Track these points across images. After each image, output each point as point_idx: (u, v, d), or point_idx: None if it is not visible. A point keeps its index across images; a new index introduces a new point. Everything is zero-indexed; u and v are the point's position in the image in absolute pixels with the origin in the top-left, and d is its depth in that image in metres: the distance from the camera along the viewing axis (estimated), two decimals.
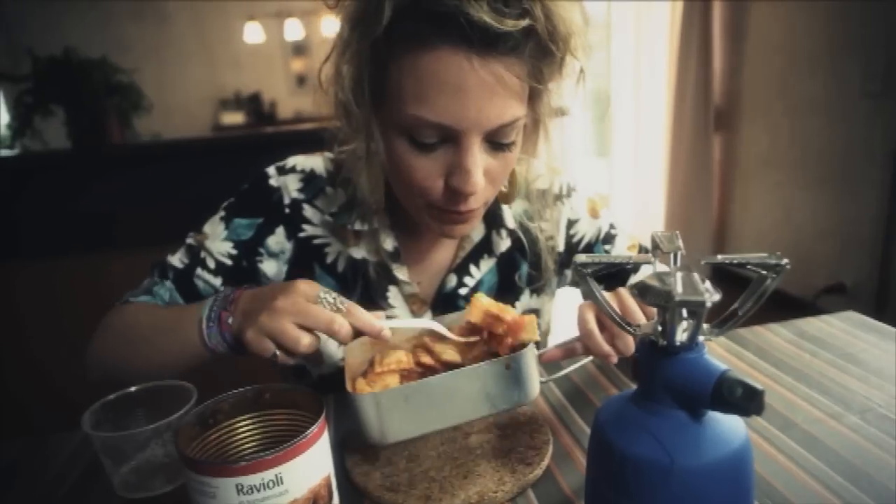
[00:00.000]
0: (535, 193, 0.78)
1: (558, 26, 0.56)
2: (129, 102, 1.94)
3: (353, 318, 0.56)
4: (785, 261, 0.37)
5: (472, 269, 0.78)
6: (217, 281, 0.75)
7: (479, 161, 0.59)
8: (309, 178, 0.76)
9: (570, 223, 0.83)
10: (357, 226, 0.74)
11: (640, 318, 0.59)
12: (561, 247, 0.83)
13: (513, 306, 0.78)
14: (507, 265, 0.80)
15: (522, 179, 0.76)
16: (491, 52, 0.54)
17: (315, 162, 0.78)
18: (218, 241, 0.75)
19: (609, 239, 0.85)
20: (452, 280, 0.78)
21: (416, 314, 0.78)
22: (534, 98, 0.63)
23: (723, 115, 3.37)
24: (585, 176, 5.45)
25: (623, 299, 0.61)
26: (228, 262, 0.75)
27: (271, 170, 0.77)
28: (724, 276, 3.74)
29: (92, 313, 0.77)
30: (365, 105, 0.62)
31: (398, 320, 0.62)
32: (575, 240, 0.84)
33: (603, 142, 5.11)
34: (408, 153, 0.60)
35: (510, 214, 0.78)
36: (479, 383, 0.53)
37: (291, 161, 0.78)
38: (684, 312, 0.37)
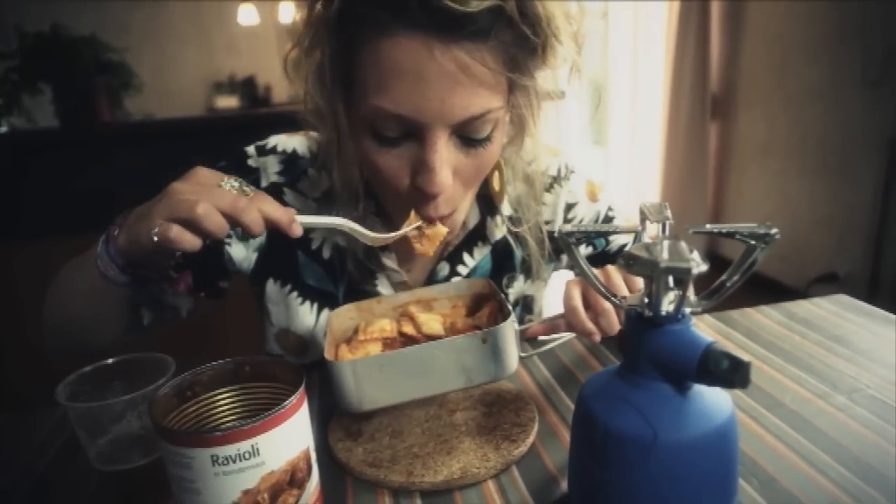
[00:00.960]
0: (531, 176, 0.75)
1: (533, 7, 0.52)
2: (120, 81, 1.91)
3: (262, 203, 0.50)
4: (774, 230, 0.36)
5: (466, 257, 0.76)
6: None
7: (444, 158, 0.55)
8: (290, 160, 0.73)
9: (568, 206, 0.81)
10: (343, 211, 0.70)
11: (624, 290, 0.58)
12: (557, 231, 0.80)
13: (506, 293, 0.78)
14: (501, 251, 0.78)
15: (516, 172, 0.73)
16: (453, 38, 0.50)
17: (297, 142, 0.74)
18: None
19: (607, 222, 0.83)
20: (445, 268, 0.75)
21: None
22: (513, 89, 0.58)
23: (719, 103, 3.36)
24: (581, 164, 5.44)
25: (610, 275, 0.60)
26: None
27: (251, 149, 0.74)
28: (715, 259, 3.79)
29: None
30: (329, 97, 0.59)
31: (310, 216, 0.55)
32: (573, 223, 0.81)
33: (599, 130, 5.10)
34: (372, 149, 0.57)
35: (508, 204, 0.76)
36: (455, 355, 0.52)
37: (273, 140, 0.74)
38: (670, 282, 0.36)
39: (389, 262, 0.73)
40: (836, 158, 2.67)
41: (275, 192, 0.71)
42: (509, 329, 0.53)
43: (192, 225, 0.47)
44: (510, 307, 0.57)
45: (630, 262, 0.37)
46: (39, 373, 1.74)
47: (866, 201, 2.51)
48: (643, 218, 0.41)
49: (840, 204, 2.67)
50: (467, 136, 0.56)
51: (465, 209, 0.65)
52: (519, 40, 0.53)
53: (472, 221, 0.75)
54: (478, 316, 0.63)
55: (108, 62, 1.89)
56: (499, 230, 0.75)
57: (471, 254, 0.76)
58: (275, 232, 0.56)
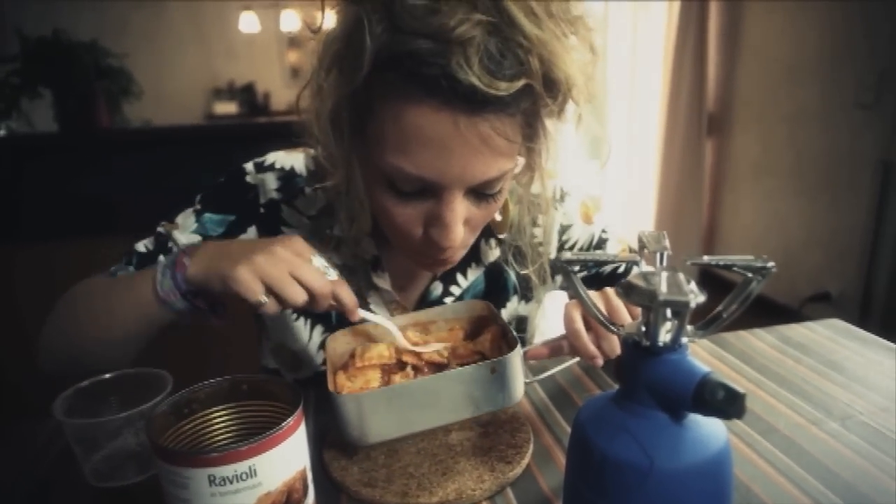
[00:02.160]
0: (526, 198, 0.74)
1: (558, 79, 0.51)
2: (119, 87, 1.91)
3: (339, 289, 0.56)
4: (771, 264, 0.37)
5: (459, 277, 0.76)
6: None
7: (459, 215, 0.57)
8: (288, 178, 0.73)
9: (563, 228, 0.81)
10: (337, 231, 0.71)
11: (626, 317, 0.59)
12: (553, 253, 0.80)
13: (500, 312, 0.78)
14: (495, 272, 0.78)
15: (521, 202, 0.73)
16: (479, 113, 0.50)
17: (295, 159, 0.74)
18: (187, 232, 0.72)
19: (601, 244, 0.84)
20: (438, 288, 0.76)
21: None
22: (526, 151, 0.60)
23: (716, 121, 3.38)
24: (577, 178, 5.47)
25: (609, 299, 0.60)
26: None
27: (249, 166, 0.74)
28: (710, 281, 3.79)
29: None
30: (344, 142, 0.58)
31: (371, 314, 0.62)
32: (567, 246, 0.82)
33: (595, 144, 5.13)
34: (387, 199, 0.58)
35: (502, 227, 0.75)
36: (463, 387, 0.52)
37: (271, 157, 0.74)
38: (668, 313, 0.37)
39: (382, 282, 0.73)
40: (829, 179, 2.69)
41: (273, 208, 0.72)
42: (517, 358, 0.53)
43: (278, 292, 0.53)
44: (514, 333, 0.57)
45: (628, 292, 0.38)
46: (36, 377, 1.73)
47: (858, 221, 2.54)
48: (641, 246, 0.42)
49: (833, 224, 2.70)
50: (481, 191, 0.58)
51: (468, 246, 0.66)
52: (538, 108, 0.55)
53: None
54: (479, 342, 0.62)
55: (108, 67, 1.89)
56: (492, 253, 0.75)
57: (464, 275, 0.76)
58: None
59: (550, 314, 0.86)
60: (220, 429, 0.47)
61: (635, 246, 0.86)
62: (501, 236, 0.75)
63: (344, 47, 0.52)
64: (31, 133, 1.87)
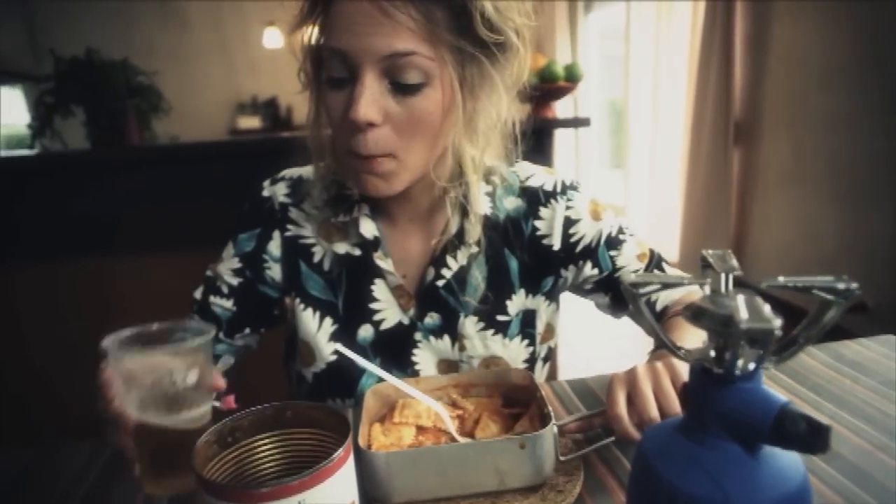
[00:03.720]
0: (529, 191, 0.80)
1: None
2: (149, 104, 1.94)
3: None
4: (854, 285, 0.34)
5: (449, 260, 0.77)
6: (229, 303, 0.81)
7: (368, 90, 0.62)
8: (296, 184, 0.82)
9: (570, 222, 0.80)
10: (340, 217, 0.77)
11: (654, 411, 0.57)
12: (557, 245, 0.79)
13: (505, 305, 0.79)
14: (497, 260, 0.78)
15: (486, 169, 0.75)
16: None
17: (305, 170, 0.83)
18: (228, 261, 0.81)
19: (615, 244, 0.82)
20: (430, 273, 0.78)
21: (403, 308, 0.78)
22: (437, 44, 0.63)
23: (743, 129, 3.32)
24: (600, 186, 5.42)
25: (678, 327, 0.62)
26: (235, 280, 0.81)
27: (266, 182, 0.83)
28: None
29: (96, 317, 0.76)
30: (313, 64, 0.69)
31: (415, 392, 0.63)
32: (573, 240, 0.80)
33: (619, 153, 5.09)
34: (326, 92, 0.66)
35: (485, 200, 0.77)
36: (490, 458, 0.53)
37: (283, 172, 0.84)
38: (746, 340, 0.34)
39: (385, 264, 0.77)
40: (861, 186, 2.62)
41: (283, 211, 0.80)
42: (548, 436, 0.53)
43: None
44: (550, 409, 0.57)
45: (697, 316, 0.36)
46: (43, 396, 1.75)
47: (892, 230, 2.46)
48: (705, 265, 0.40)
49: (866, 232, 2.62)
50: (397, 80, 0.63)
51: (410, 170, 0.68)
52: (440, 2, 0.62)
53: (453, 227, 0.76)
54: (520, 423, 0.62)
55: (138, 85, 1.92)
56: (474, 229, 0.75)
57: (454, 257, 0.77)
58: (285, 248, 0.78)
59: (571, 320, 0.84)
60: (265, 457, 0.46)
61: (651, 249, 0.84)
62: (484, 211, 0.76)
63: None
64: (65, 152, 1.90)
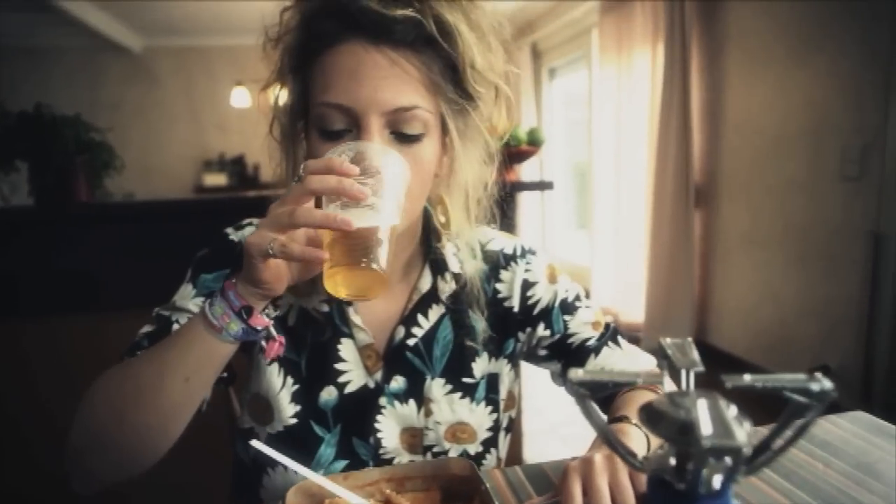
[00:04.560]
0: (489, 254, 0.79)
1: (449, 27, 0.62)
2: (101, 161, 1.87)
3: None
4: (829, 386, 0.30)
5: (421, 318, 0.75)
6: None
7: (377, 142, 0.62)
8: None
9: (528, 284, 0.80)
10: None
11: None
12: (516, 307, 0.79)
13: (471, 367, 0.75)
14: (463, 321, 0.76)
15: (464, 226, 0.75)
16: (384, 41, 0.61)
17: None
18: (188, 300, 0.73)
19: (570, 309, 0.80)
20: (401, 332, 0.74)
21: (369, 371, 0.73)
22: (436, 96, 0.64)
23: (703, 193, 3.41)
24: (566, 246, 5.46)
25: (626, 433, 0.57)
26: None
27: (229, 229, 0.79)
28: (701, 350, 3.67)
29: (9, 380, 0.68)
30: (291, 119, 0.68)
31: (338, 488, 0.57)
32: (530, 302, 0.79)
33: (584, 213, 5.17)
34: (318, 144, 0.64)
35: (455, 260, 0.76)
36: None
37: (248, 220, 0.80)
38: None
39: (356, 318, 0.73)
40: (820, 250, 2.68)
41: None
42: None
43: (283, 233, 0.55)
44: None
45: (653, 420, 0.31)
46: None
47: (853, 293, 2.50)
48: (663, 355, 0.35)
49: (827, 294, 2.66)
50: (400, 131, 0.62)
51: (407, 217, 0.65)
52: (439, 55, 0.63)
53: (426, 285, 0.75)
54: None
55: (89, 141, 1.85)
56: (447, 286, 0.75)
57: (425, 315, 0.75)
58: None
59: (535, 384, 0.80)
60: None
61: (628, 316, 0.83)
62: (455, 270, 0.75)
63: (285, 23, 0.66)
64: (4, 207, 1.81)
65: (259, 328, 0.60)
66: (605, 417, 0.32)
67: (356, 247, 0.54)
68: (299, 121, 0.68)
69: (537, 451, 2.43)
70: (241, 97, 5.63)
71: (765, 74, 2.91)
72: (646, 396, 0.75)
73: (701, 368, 0.32)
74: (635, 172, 3.78)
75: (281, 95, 0.69)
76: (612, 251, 4.14)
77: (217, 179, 6.25)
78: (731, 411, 0.29)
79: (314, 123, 0.64)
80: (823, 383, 0.30)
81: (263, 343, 0.63)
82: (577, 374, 0.33)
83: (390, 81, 0.61)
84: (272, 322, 0.62)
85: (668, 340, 0.35)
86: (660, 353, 0.35)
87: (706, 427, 0.28)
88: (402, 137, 0.63)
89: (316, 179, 0.55)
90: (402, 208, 0.60)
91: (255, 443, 0.59)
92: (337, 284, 0.55)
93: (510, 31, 0.71)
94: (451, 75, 0.64)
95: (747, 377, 0.32)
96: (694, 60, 3.31)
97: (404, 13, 0.60)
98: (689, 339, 0.35)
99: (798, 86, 2.72)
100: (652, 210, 3.56)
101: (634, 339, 0.86)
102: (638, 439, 0.64)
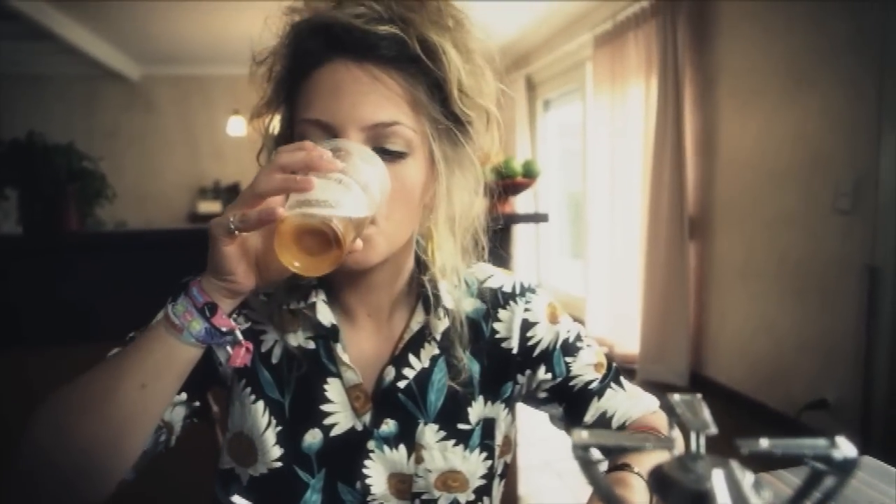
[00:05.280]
0: (487, 292, 0.76)
1: (433, 44, 0.61)
2: (92, 189, 1.86)
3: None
4: (854, 453, 0.28)
5: (412, 359, 0.71)
6: None
7: None
8: None
9: (528, 325, 0.76)
10: (293, 304, 0.69)
11: None
12: (515, 349, 0.75)
13: (467, 412, 0.72)
14: (458, 364, 0.72)
15: (454, 263, 0.71)
16: (367, 59, 0.61)
17: None
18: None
19: (572, 350, 0.77)
20: (391, 373, 0.70)
21: (357, 412, 0.69)
22: (420, 115, 0.63)
23: (697, 225, 3.41)
24: (560, 276, 5.45)
25: (628, 485, 0.53)
26: None
27: None
28: (698, 382, 3.62)
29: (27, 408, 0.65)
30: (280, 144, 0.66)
31: None
32: (531, 343, 0.76)
33: (578, 243, 5.17)
34: None
35: (449, 297, 0.72)
36: None
37: None
38: None
39: (344, 356, 0.69)
40: (815, 283, 2.67)
41: None
42: None
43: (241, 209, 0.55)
44: None
45: (663, 489, 0.28)
46: None
47: (849, 326, 2.49)
48: (673, 413, 0.33)
49: (823, 328, 2.64)
50: (382, 146, 0.61)
51: (387, 239, 0.64)
52: (424, 73, 0.62)
53: (418, 324, 0.71)
54: None
55: (81, 170, 1.84)
56: (441, 324, 0.71)
57: (417, 356, 0.71)
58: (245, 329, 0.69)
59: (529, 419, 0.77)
60: None
61: (624, 348, 0.80)
62: (448, 305, 0.71)
63: (276, 49, 0.66)
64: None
65: (223, 329, 0.57)
66: (610, 484, 0.29)
67: (313, 204, 0.53)
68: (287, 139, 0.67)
69: (532, 486, 2.38)
70: (237, 125, 5.66)
71: (757, 108, 2.94)
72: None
73: (713, 431, 0.30)
74: (630, 203, 3.80)
75: (271, 124, 0.69)
76: (607, 282, 4.13)
77: (212, 207, 6.25)
78: (748, 479, 0.27)
79: (297, 140, 0.63)
80: (847, 450, 0.28)
81: (229, 349, 0.60)
82: (580, 436, 0.30)
83: (370, 97, 0.60)
84: (238, 327, 0.59)
85: (677, 397, 0.33)
86: (667, 409, 0.33)
87: (723, 498, 0.25)
88: (385, 153, 0.61)
89: (286, 154, 0.54)
90: (378, 210, 0.59)
91: (236, 499, 0.55)
92: (289, 249, 0.53)
93: (505, 62, 0.70)
94: (437, 95, 0.63)
95: (764, 442, 0.29)
96: (687, 94, 3.35)
97: (387, 30, 0.60)
98: (699, 395, 0.33)
99: (790, 120, 2.75)
100: (647, 241, 3.56)
101: (629, 371, 0.83)
102: (640, 491, 0.61)
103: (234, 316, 0.60)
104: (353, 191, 0.54)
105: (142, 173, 6.04)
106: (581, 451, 0.30)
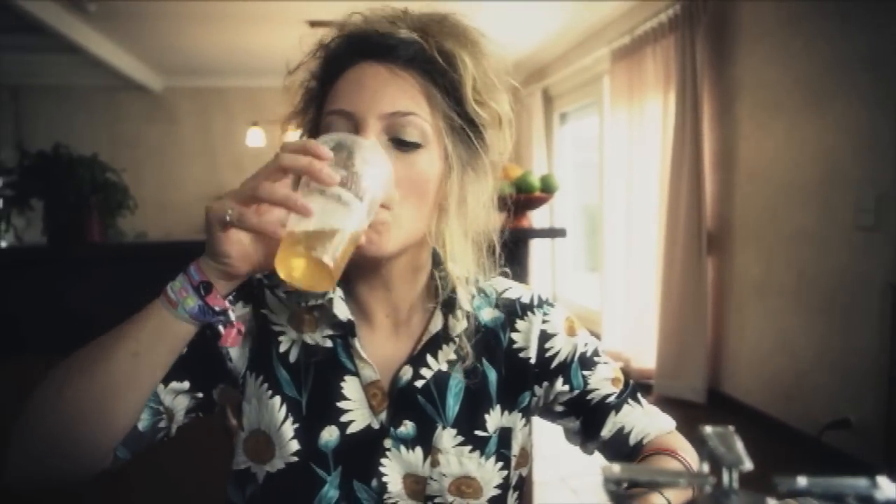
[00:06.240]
0: (505, 303, 0.78)
1: (450, 50, 0.67)
2: (115, 201, 1.89)
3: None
4: (893, 495, 0.27)
5: (430, 359, 0.72)
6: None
7: (373, 139, 0.64)
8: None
9: (546, 336, 0.77)
10: (311, 301, 0.71)
11: None
12: (533, 359, 0.76)
13: (484, 419, 0.72)
14: (476, 371, 0.73)
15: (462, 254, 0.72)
16: (388, 58, 0.66)
17: None
18: None
19: (589, 364, 0.78)
20: (408, 372, 0.71)
21: (374, 410, 0.70)
22: (435, 110, 0.67)
23: (715, 240, 3.38)
24: (576, 288, 5.42)
25: None
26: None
27: None
28: (716, 398, 3.56)
29: None
30: None
31: None
32: (549, 354, 0.76)
33: (594, 255, 5.15)
34: None
35: (466, 299, 0.73)
36: None
37: None
38: None
39: (363, 352, 0.70)
40: (835, 300, 2.63)
41: (259, 288, 0.75)
42: None
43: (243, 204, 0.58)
44: None
45: None
46: None
47: (872, 345, 2.44)
48: (703, 447, 0.32)
49: (843, 346, 2.60)
50: (398, 136, 0.65)
51: (402, 228, 0.66)
52: (438, 72, 0.67)
53: (436, 326, 0.72)
54: None
55: (105, 182, 1.88)
56: (459, 325, 0.72)
57: (435, 357, 0.72)
58: (258, 325, 0.72)
59: (545, 433, 0.76)
60: None
61: (639, 363, 0.80)
62: (466, 308, 0.72)
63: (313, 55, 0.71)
64: (19, 247, 1.82)
65: (217, 308, 0.60)
66: None
67: (314, 236, 0.54)
68: None
69: (548, 502, 2.35)
70: (256, 137, 5.73)
71: (777, 123, 2.92)
72: (670, 463, 0.72)
73: (749, 467, 0.29)
74: (647, 217, 3.77)
75: (299, 133, 0.73)
76: (623, 296, 4.09)
77: None
78: None
79: (321, 134, 0.66)
80: (889, 491, 0.28)
81: (221, 328, 0.62)
82: (613, 470, 0.30)
83: (389, 89, 0.65)
84: (232, 308, 0.62)
85: (709, 430, 0.32)
86: (699, 442, 0.33)
87: None
88: (400, 143, 0.65)
89: (288, 157, 0.56)
90: (374, 213, 0.61)
91: None
92: (288, 267, 0.56)
93: (521, 76, 0.74)
94: (452, 95, 0.67)
95: (802, 480, 0.29)
96: (706, 108, 3.33)
97: (408, 34, 0.66)
98: (731, 427, 0.33)
99: (811, 135, 2.72)
100: (664, 255, 3.53)
101: (646, 386, 0.82)
102: None
103: (230, 298, 0.62)
104: (352, 208, 0.56)
105: (162, 183, 6.13)
106: (613, 486, 0.29)
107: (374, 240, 0.64)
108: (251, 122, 5.68)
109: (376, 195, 0.59)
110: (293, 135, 0.75)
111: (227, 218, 0.55)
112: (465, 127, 0.68)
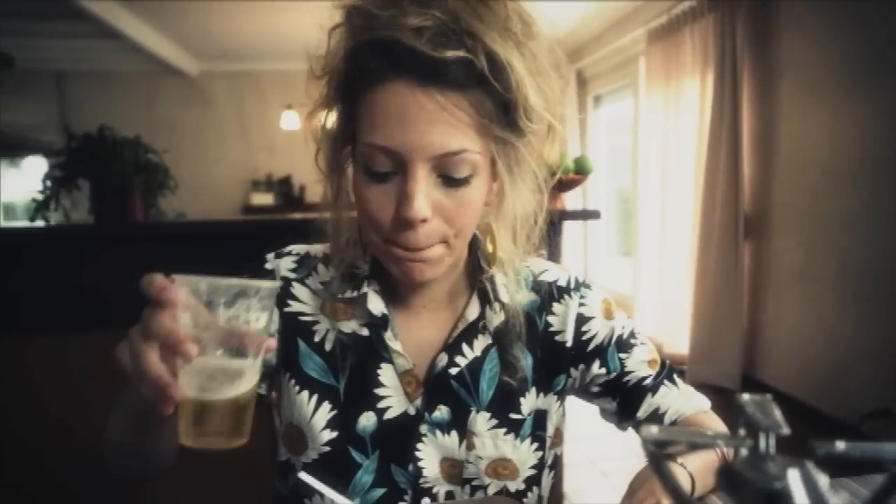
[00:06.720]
0: (542, 286, 0.77)
1: (503, 66, 0.59)
2: (156, 181, 1.95)
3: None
4: None
5: (465, 348, 0.73)
6: None
7: (422, 188, 0.60)
8: (303, 260, 0.78)
9: (583, 319, 0.77)
10: (347, 294, 0.72)
11: None
12: (570, 343, 0.76)
13: (519, 402, 0.73)
14: (511, 355, 0.74)
15: (510, 254, 0.72)
16: (432, 83, 0.58)
17: (313, 247, 0.79)
18: None
19: (626, 346, 0.78)
20: (443, 359, 0.72)
21: (409, 397, 0.72)
22: (493, 140, 0.63)
23: (753, 224, 3.31)
24: (609, 273, 5.37)
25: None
26: None
27: (270, 255, 0.79)
28: (750, 383, 3.49)
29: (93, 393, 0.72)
30: (336, 151, 0.68)
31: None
32: (585, 337, 0.76)
33: (628, 240, 5.09)
34: (364, 183, 0.63)
35: (504, 289, 0.73)
36: None
37: (290, 247, 0.80)
38: None
39: (395, 345, 0.71)
40: (879, 287, 2.55)
41: (284, 285, 0.75)
42: None
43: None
44: None
45: (734, 485, 0.29)
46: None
47: None
48: (740, 413, 0.33)
49: (884, 334, 2.53)
50: (447, 174, 0.61)
51: (456, 254, 0.67)
52: (491, 94, 0.60)
53: (473, 314, 0.73)
54: None
55: (147, 163, 1.93)
56: (496, 317, 0.73)
57: (470, 345, 0.73)
58: (283, 325, 0.73)
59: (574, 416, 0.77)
60: None
61: (672, 347, 0.80)
62: (504, 299, 0.72)
63: (332, 55, 0.65)
64: (68, 225, 1.89)
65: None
66: (684, 483, 0.29)
67: (208, 408, 0.50)
68: (344, 149, 0.69)
69: (577, 485, 2.37)
70: (290, 120, 5.78)
71: (820, 106, 2.82)
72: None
73: (786, 431, 0.30)
74: (682, 201, 3.71)
75: (327, 122, 0.70)
76: (657, 280, 4.04)
77: (264, 199, 6.42)
78: (823, 481, 0.27)
79: (360, 161, 0.63)
80: None
81: None
82: (650, 431, 0.31)
83: (438, 127, 0.59)
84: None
85: (746, 396, 0.33)
86: (737, 409, 0.33)
87: (801, 499, 0.26)
88: (450, 181, 0.62)
89: (154, 322, 0.49)
90: (446, 232, 0.62)
91: (303, 475, 0.58)
92: (187, 434, 0.51)
93: (555, 58, 0.69)
94: (502, 111, 0.62)
95: (840, 444, 0.29)
96: (745, 90, 3.24)
97: (455, 54, 0.57)
98: (769, 395, 0.33)
99: (854, 118, 2.63)
100: (699, 239, 3.47)
101: (679, 372, 0.82)
102: (683, 482, 0.61)
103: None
104: (245, 372, 0.51)
105: (199, 166, 6.25)
106: (652, 447, 0.30)
107: (425, 271, 0.64)
108: (285, 105, 5.74)
109: (262, 350, 0.53)
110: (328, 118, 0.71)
111: (126, 368, 0.50)
112: (514, 142, 0.65)
